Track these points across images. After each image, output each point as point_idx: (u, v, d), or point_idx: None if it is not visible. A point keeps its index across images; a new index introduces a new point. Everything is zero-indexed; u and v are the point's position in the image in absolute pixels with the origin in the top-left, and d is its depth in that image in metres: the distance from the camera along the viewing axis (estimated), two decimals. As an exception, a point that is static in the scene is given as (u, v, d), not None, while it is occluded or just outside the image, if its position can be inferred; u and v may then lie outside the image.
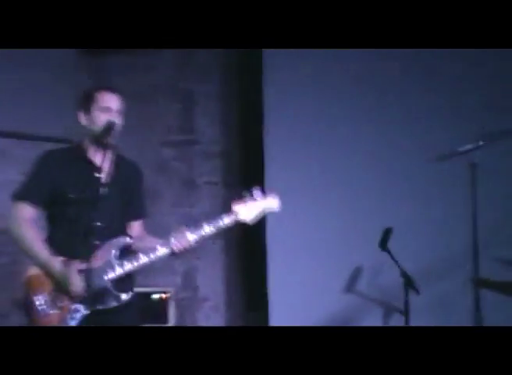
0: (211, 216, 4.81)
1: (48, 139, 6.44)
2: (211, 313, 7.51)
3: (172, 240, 4.64)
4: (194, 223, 4.70)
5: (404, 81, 7.02)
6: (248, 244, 7.39)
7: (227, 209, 4.78)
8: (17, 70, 6.94)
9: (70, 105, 5.59)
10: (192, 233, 4.68)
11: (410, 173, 6.66)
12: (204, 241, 4.79)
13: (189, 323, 7.32)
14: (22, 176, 5.32)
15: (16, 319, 5.09)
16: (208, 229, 4.69)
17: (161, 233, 4.91)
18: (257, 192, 4.81)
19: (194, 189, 7.53)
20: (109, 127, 4.68)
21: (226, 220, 4.73)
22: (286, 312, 6.98)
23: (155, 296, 6.40)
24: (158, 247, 4.63)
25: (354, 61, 6.97)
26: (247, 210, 4.80)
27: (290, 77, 7.18)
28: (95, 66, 7.33)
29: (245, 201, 4.79)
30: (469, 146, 5.37)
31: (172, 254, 4.67)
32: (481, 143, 5.36)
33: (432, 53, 6.60)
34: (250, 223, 4.84)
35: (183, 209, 7.17)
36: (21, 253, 4.82)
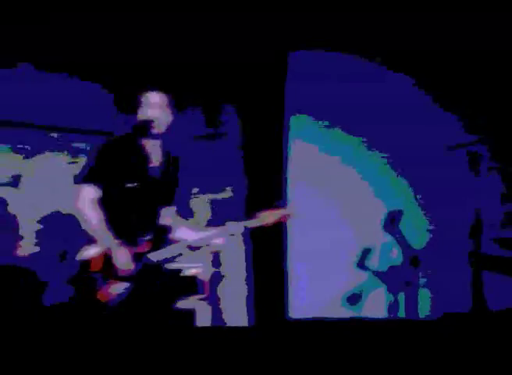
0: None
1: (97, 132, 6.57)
2: (232, 286, 7.64)
3: (209, 233, 4.86)
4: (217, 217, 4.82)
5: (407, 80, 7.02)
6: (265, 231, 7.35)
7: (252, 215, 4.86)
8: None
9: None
10: (225, 229, 4.80)
11: (421, 157, 6.62)
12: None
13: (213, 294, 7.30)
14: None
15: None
16: (237, 228, 4.84)
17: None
18: (279, 203, 5.05)
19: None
20: (150, 121, 4.71)
21: (253, 223, 4.83)
22: (308, 288, 7.11)
23: (188, 271, 6.29)
24: (198, 239, 4.82)
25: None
26: (271, 215, 4.84)
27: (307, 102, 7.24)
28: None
29: (270, 209, 4.86)
30: (470, 139, 5.83)
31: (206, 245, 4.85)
32: (479, 137, 5.87)
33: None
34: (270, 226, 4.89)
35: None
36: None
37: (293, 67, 7.14)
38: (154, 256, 4.63)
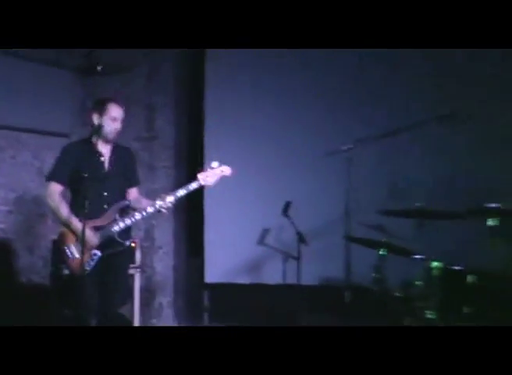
0: (169, 189, 5.22)
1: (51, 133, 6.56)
2: (164, 257, 7.59)
3: (157, 202, 4.91)
4: (155, 195, 5.00)
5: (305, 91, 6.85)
6: (191, 210, 7.40)
7: (188, 176, 4.95)
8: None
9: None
10: (171, 195, 4.95)
11: (306, 161, 6.64)
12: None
13: (148, 264, 7.43)
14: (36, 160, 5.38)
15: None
16: (181, 192, 4.98)
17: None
18: (215, 163, 5.09)
19: (154, 171, 7.55)
20: (110, 130, 4.96)
21: (194, 185, 5.00)
22: (217, 258, 7.09)
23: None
24: (148, 207, 4.94)
25: (274, 69, 6.93)
26: (208, 177, 5.03)
27: (227, 88, 7.18)
28: (88, 84, 7.29)
29: (206, 171, 5.05)
30: (346, 146, 5.44)
31: (158, 212, 4.96)
32: (352, 145, 5.44)
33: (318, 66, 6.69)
34: (212, 186, 5.11)
35: (147, 185, 7.12)
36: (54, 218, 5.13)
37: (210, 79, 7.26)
38: (113, 228, 4.87)
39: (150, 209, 4.91)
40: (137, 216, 4.93)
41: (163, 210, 4.97)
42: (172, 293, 7.59)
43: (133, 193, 5.19)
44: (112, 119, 4.95)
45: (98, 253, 4.82)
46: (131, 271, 6.36)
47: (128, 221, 4.91)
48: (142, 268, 6.78)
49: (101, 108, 4.98)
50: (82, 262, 4.67)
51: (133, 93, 7.40)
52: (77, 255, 4.77)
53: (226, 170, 5.09)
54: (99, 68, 7.11)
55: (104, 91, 6.83)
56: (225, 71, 7.18)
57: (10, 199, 6.72)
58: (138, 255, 6.58)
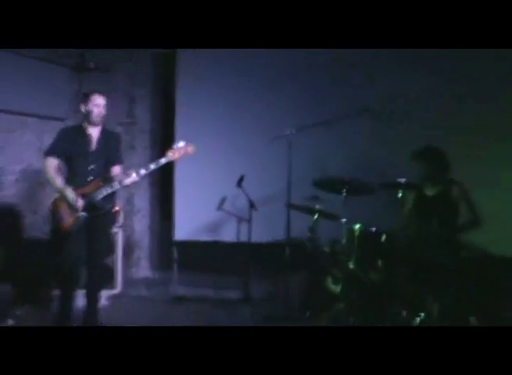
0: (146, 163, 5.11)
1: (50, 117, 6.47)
2: (142, 219, 7.67)
3: (133, 174, 4.92)
4: (137, 169, 4.96)
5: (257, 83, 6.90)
6: (163, 182, 7.47)
7: (162, 154, 5.04)
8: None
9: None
10: (143, 169, 4.96)
11: (257, 143, 6.69)
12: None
13: (128, 225, 7.45)
14: (38, 139, 5.38)
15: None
16: (152, 166, 4.98)
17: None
18: (181, 143, 5.08)
19: (134, 150, 7.56)
20: (95, 115, 5.00)
21: (163, 160, 5.00)
22: (184, 221, 7.20)
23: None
24: (124, 179, 4.93)
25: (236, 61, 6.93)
26: (175, 154, 5.02)
27: (194, 83, 7.18)
28: (82, 78, 7.18)
29: (174, 148, 5.03)
30: (288, 132, 5.42)
31: (134, 182, 4.98)
32: (294, 131, 5.40)
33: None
34: (177, 160, 5.15)
35: (128, 161, 7.11)
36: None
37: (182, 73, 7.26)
38: (96, 195, 4.92)
39: (126, 181, 4.90)
40: (115, 185, 4.93)
41: (136, 179, 4.94)
42: (148, 248, 7.70)
43: (115, 169, 5.13)
44: (96, 105, 4.98)
45: (84, 214, 4.85)
46: (115, 230, 6.40)
47: (108, 189, 4.93)
48: (124, 227, 6.80)
49: (86, 98, 5.02)
50: (70, 222, 4.82)
51: (118, 86, 7.39)
52: (68, 217, 4.87)
53: (190, 149, 5.08)
54: (91, 65, 7.12)
55: (94, 84, 6.74)
56: (193, 69, 7.15)
57: (17, 170, 6.70)
58: (121, 218, 6.59)
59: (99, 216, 5.01)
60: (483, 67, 5.90)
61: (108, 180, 5.02)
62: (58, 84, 6.97)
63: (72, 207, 4.88)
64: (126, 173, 5.00)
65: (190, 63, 7.22)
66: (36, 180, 6.62)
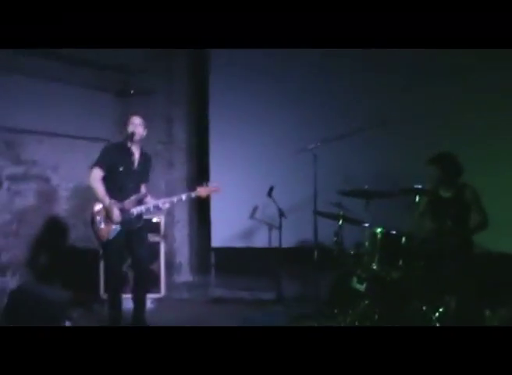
0: (183, 178, 5.40)
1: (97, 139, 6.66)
2: (181, 228, 7.76)
3: (167, 201, 5.09)
4: (172, 187, 5.13)
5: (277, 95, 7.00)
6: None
7: (192, 188, 5.18)
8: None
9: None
10: (175, 198, 5.09)
11: (284, 156, 6.73)
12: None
13: (169, 234, 7.47)
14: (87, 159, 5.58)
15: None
16: (184, 197, 5.11)
17: (157, 191, 5.69)
18: (213, 184, 5.21)
19: (172, 165, 7.68)
20: (133, 134, 5.09)
21: (192, 194, 5.12)
22: (220, 229, 7.32)
23: (155, 220, 6.53)
24: (160, 204, 5.08)
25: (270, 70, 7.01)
26: (203, 191, 5.14)
27: (225, 102, 7.29)
28: (124, 102, 7.37)
29: (203, 186, 5.15)
30: (313, 145, 5.45)
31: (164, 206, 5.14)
32: (319, 144, 5.42)
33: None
34: (202, 197, 5.22)
35: (167, 176, 7.40)
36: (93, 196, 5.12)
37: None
38: (134, 211, 5.06)
39: (159, 204, 5.05)
40: (150, 206, 5.07)
41: (167, 206, 5.15)
42: (188, 254, 7.79)
43: (143, 187, 5.34)
44: (134, 125, 5.10)
45: (118, 227, 4.97)
46: (157, 239, 6.49)
47: (143, 209, 5.07)
48: (165, 237, 6.83)
49: (127, 120, 5.17)
50: (106, 232, 4.97)
51: (156, 108, 7.49)
52: (103, 225, 5.00)
53: (216, 189, 5.20)
54: (132, 91, 7.28)
55: (135, 107, 6.84)
56: (224, 88, 7.25)
57: (70, 188, 6.91)
58: (162, 228, 6.65)
59: (139, 229, 5.15)
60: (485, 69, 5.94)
61: (142, 199, 5.15)
62: (103, 109, 7.14)
63: (110, 219, 4.98)
64: (159, 200, 5.13)
65: (221, 84, 7.35)
66: (87, 195, 6.79)
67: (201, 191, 5.16)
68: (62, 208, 6.88)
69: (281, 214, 6.36)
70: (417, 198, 4.97)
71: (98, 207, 5.09)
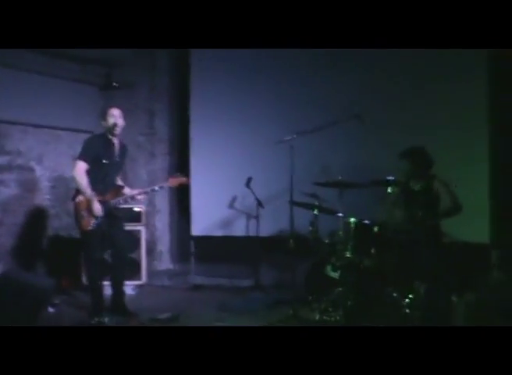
0: (165, 170, 5.16)
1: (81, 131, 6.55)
2: (162, 217, 7.67)
3: (141, 191, 5.14)
4: (154, 177, 5.03)
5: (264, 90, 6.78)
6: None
7: (165, 179, 5.37)
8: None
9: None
10: (149, 189, 5.15)
11: (261, 148, 6.59)
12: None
13: (150, 223, 7.42)
14: (71, 150, 5.40)
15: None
16: (157, 188, 5.16)
17: (139, 181, 5.19)
18: (178, 174, 5.21)
19: (154, 157, 7.59)
20: (114, 125, 5.02)
21: (165, 185, 5.19)
22: (200, 218, 7.12)
23: (136, 209, 6.41)
24: (136, 195, 5.09)
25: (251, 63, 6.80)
26: (174, 181, 5.12)
27: (206, 96, 7.08)
28: (107, 95, 7.24)
29: (174, 177, 5.16)
30: (290, 137, 5.20)
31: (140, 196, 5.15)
32: (295, 136, 5.18)
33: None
34: (172, 186, 5.31)
35: (150, 167, 7.26)
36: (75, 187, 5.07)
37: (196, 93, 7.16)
38: (114, 202, 5.02)
39: (137, 196, 5.06)
40: (128, 199, 5.06)
41: (143, 197, 5.18)
42: (168, 243, 7.73)
43: (118, 178, 5.33)
44: (112, 116, 5.01)
45: (100, 219, 4.90)
46: (138, 228, 6.47)
47: (121, 200, 5.03)
48: (146, 226, 6.83)
49: (106, 113, 5.07)
50: (88, 222, 4.90)
51: (139, 102, 7.44)
52: (87, 217, 4.92)
53: (185, 180, 5.23)
54: (115, 84, 7.18)
55: (118, 101, 6.82)
56: (204, 84, 7.08)
57: (53, 177, 6.78)
58: (143, 217, 6.63)
59: (114, 219, 5.07)
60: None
61: (120, 190, 5.11)
62: (87, 101, 7.03)
63: (91, 211, 4.91)
64: (135, 191, 5.12)
65: (201, 77, 7.14)
66: (70, 185, 6.62)
67: (172, 182, 5.15)
68: (45, 197, 6.74)
69: (259, 204, 6.33)
70: (389, 189, 4.95)
71: (80, 198, 5.00)
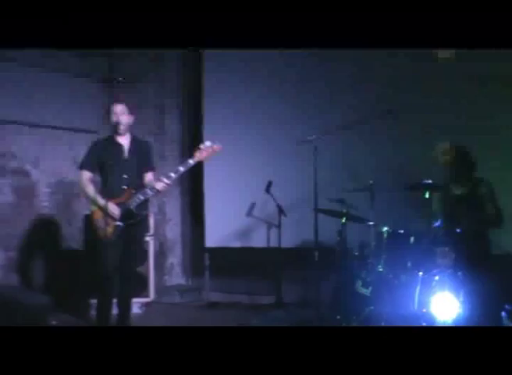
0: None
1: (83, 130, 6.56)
2: (173, 227, 7.71)
3: (164, 179, 4.86)
4: (167, 173, 4.87)
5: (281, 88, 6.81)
6: (193, 190, 7.49)
7: (190, 154, 4.97)
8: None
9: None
10: (172, 173, 4.89)
11: (283, 149, 6.65)
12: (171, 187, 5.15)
13: (161, 233, 7.47)
14: (71, 152, 5.35)
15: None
16: (182, 168, 4.90)
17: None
18: (207, 142, 5.00)
19: (164, 158, 7.55)
20: (117, 123, 4.97)
21: (191, 161, 4.91)
22: (215, 227, 7.15)
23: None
24: (156, 184, 4.87)
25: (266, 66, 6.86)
26: (202, 154, 4.94)
27: (220, 92, 7.18)
28: (112, 91, 7.17)
29: (201, 149, 4.95)
30: (313, 136, 5.13)
31: (167, 184, 4.88)
32: (320, 135, 5.11)
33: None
34: (206, 161, 5.17)
35: (159, 169, 7.12)
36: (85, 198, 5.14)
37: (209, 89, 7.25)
38: (131, 203, 4.90)
39: (157, 186, 4.84)
40: (149, 192, 4.89)
41: (168, 185, 4.88)
42: (180, 255, 7.74)
43: (148, 176, 5.12)
44: (116, 114, 4.96)
45: (121, 224, 4.82)
46: (147, 238, 6.31)
47: (142, 197, 4.89)
48: (155, 236, 6.71)
49: (109, 110, 5.02)
50: (108, 232, 4.79)
51: (147, 97, 7.43)
52: (104, 227, 4.81)
53: (216, 148, 4.98)
54: (120, 79, 7.13)
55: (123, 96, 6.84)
56: (219, 79, 7.19)
57: (52, 183, 6.72)
58: (152, 226, 6.52)
59: (135, 224, 4.98)
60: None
61: (140, 187, 4.99)
62: (88, 98, 6.98)
63: (109, 217, 4.83)
64: (156, 179, 4.94)
65: (216, 72, 7.25)
66: (70, 191, 6.65)
67: (201, 155, 4.95)
68: (43, 205, 6.71)
69: (280, 211, 6.27)
70: (426, 194, 4.81)
71: (93, 209, 4.97)
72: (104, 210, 4.84)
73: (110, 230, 4.83)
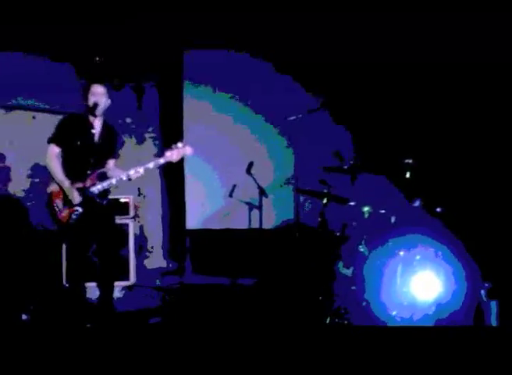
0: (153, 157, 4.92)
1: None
2: (153, 209, 7.66)
3: (131, 171, 4.77)
4: (143, 161, 4.83)
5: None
6: (174, 171, 7.43)
7: (161, 154, 4.89)
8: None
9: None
10: (141, 167, 4.79)
11: (264, 129, 6.70)
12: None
13: (140, 216, 7.36)
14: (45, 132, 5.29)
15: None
16: (151, 165, 4.85)
17: (127, 166, 5.03)
18: (180, 144, 4.87)
19: (144, 141, 7.57)
20: (95, 105, 4.84)
21: (161, 160, 4.86)
22: (195, 209, 7.18)
23: (123, 200, 6.32)
24: (122, 175, 4.81)
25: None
26: (173, 154, 4.84)
27: (201, 77, 7.13)
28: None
29: (172, 149, 4.84)
30: (294, 116, 5.21)
31: (129, 179, 4.82)
32: (300, 115, 5.20)
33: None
34: (175, 162, 4.89)
35: (139, 150, 7.20)
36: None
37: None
38: (95, 189, 4.82)
39: (123, 177, 4.79)
40: (113, 181, 4.83)
41: (133, 177, 4.82)
42: (160, 238, 7.69)
43: (111, 163, 5.08)
44: (95, 94, 4.86)
45: (80, 209, 4.71)
46: (126, 221, 6.40)
47: (104, 184, 4.83)
48: (135, 219, 6.70)
49: (87, 90, 4.92)
50: (65, 215, 4.76)
51: (127, 79, 7.25)
52: (63, 209, 4.79)
53: (188, 150, 4.89)
54: (97, 59, 7.04)
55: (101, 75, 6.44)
56: (200, 57, 7.05)
57: (28, 166, 6.63)
58: (131, 209, 6.50)
59: (97, 210, 4.91)
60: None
61: (104, 174, 4.94)
62: (65, 79, 6.82)
63: (68, 201, 4.78)
64: (122, 170, 4.88)
65: (197, 51, 7.13)
66: (47, 174, 6.58)
67: (172, 156, 4.85)
68: (20, 188, 6.66)
69: (261, 192, 6.27)
70: (407, 174, 4.85)
71: (54, 188, 4.89)
72: (64, 193, 4.80)
73: (67, 214, 4.77)
